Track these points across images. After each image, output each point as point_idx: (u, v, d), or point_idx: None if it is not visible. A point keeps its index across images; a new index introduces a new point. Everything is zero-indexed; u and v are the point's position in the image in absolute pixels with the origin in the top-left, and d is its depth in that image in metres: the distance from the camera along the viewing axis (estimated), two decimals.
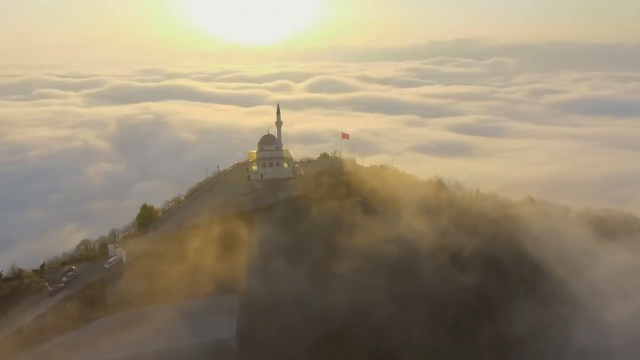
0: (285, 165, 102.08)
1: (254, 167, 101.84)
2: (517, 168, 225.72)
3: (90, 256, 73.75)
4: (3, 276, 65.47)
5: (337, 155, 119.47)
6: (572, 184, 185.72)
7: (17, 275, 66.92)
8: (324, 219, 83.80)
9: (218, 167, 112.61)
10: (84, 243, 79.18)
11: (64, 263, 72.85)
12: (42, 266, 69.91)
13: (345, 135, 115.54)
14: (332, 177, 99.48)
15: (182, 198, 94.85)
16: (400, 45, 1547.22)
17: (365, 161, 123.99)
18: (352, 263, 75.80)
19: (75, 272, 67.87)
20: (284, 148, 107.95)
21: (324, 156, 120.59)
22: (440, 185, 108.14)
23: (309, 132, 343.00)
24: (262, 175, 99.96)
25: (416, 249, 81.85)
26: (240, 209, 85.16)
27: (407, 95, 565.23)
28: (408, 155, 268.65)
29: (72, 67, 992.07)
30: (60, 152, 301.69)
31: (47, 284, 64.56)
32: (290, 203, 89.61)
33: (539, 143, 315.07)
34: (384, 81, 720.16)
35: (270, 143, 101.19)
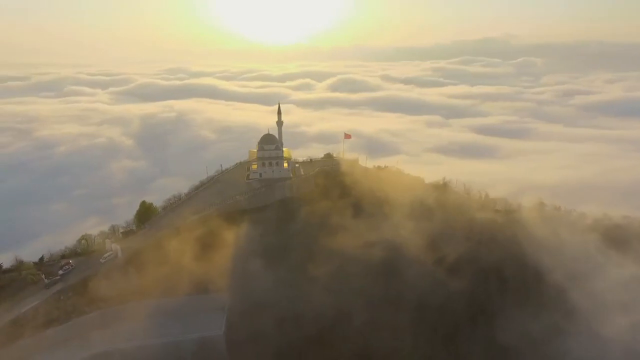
0: (285, 165, 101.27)
1: (254, 167, 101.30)
2: (540, 171, 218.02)
3: (89, 250, 74.92)
4: (3, 267, 67.07)
5: (341, 156, 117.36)
6: (597, 189, 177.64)
7: (17, 267, 68.63)
8: (313, 220, 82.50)
9: (221, 165, 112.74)
10: (85, 237, 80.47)
11: (63, 257, 74.29)
12: (41, 259, 71.83)
13: (347, 136, 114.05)
14: (330, 177, 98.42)
15: (182, 195, 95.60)
16: (425, 45, 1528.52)
17: (372, 162, 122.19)
18: (334, 266, 74.63)
19: (72, 265, 69.16)
20: (284, 148, 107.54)
21: (328, 156, 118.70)
22: (442, 187, 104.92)
23: (327, 132, 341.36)
24: (260, 175, 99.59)
25: (404, 253, 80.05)
26: (234, 208, 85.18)
27: (430, 95, 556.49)
28: (427, 157, 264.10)
29: (102, 65, 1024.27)
30: (85, 148, 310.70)
31: (43, 276, 65.94)
32: (283, 203, 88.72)
33: (566, 146, 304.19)
34: (407, 81, 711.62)
35: (269, 142, 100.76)
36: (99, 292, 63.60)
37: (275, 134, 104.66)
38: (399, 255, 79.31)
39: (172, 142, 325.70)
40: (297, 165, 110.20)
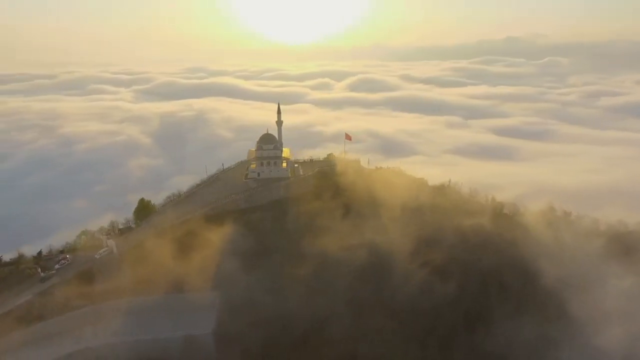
0: (284, 164, 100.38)
1: (252, 166, 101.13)
2: (562, 174, 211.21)
3: (86, 246, 76.04)
4: (3, 261, 69.14)
5: (343, 156, 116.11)
6: (624, 194, 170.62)
7: (16, 260, 70.45)
8: (304, 221, 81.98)
9: (222, 164, 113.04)
10: (85, 233, 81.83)
11: (62, 251, 75.69)
12: (39, 253, 73.73)
13: (347, 137, 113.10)
14: (328, 178, 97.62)
15: (181, 194, 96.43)
16: (447, 44, 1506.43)
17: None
18: (317, 267, 73.85)
19: (68, 260, 70.39)
20: (284, 148, 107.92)
21: (331, 156, 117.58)
22: (446, 190, 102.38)
23: (344, 132, 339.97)
24: (259, 174, 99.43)
25: (390, 256, 78.52)
26: (230, 207, 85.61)
27: (450, 95, 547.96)
28: (444, 158, 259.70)
29: (125, 64, 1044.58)
30: (106, 146, 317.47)
31: (39, 270, 67.40)
32: (278, 204, 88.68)
33: (591, 149, 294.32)
34: (427, 81, 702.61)
35: (268, 142, 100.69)
36: (92, 287, 64.90)
37: (275, 133, 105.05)
38: (384, 258, 78.14)
39: (190, 141, 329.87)
40: (296, 165, 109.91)
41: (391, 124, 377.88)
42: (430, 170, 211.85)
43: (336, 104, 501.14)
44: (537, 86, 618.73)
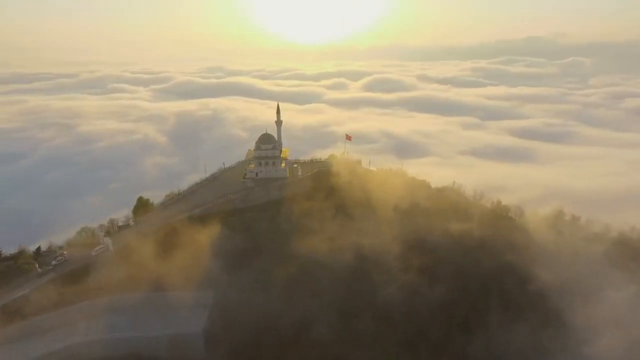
0: (282, 165, 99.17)
1: (251, 166, 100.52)
2: (581, 178, 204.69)
3: (87, 243, 77.05)
4: (2, 255, 70.54)
5: (345, 157, 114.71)
6: None
7: (15, 255, 71.74)
8: (294, 221, 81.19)
9: (224, 163, 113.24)
10: (84, 229, 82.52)
11: (61, 247, 77.03)
12: (38, 249, 74.91)
13: (347, 137, 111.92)
14: (326, 179, 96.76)
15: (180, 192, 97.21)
16: (466, 44, 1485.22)
17: (383, 164, 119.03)
18: (302, 269, 73.10)
19: (65, 257, 71.08)
20: (284, 148, 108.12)
21: (332, 157, 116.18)
22: (448, 192, 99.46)
23: (358, 132, 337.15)
24: (257, 174, 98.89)
25: (378, 258, 77.14)
26: (226, 207, 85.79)
27: (468, 96, 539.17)
28: (459, 159, 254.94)
29: (145, 64, 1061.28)
30: (123, 144, 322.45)
31: (37, 265, 68.27)
32: (273, 204, 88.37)
33: (613, 151, 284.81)
34: (444, 81, 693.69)
35: (267, 142, 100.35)
36: (87, 283, 65.61)
37: (275, 133, 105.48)
38: (370, 260, 76.80)
39: (205, 140, 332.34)
40: (295, 165, 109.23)
41: (406, 124, 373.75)
42: (443, 171, 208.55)
43: (351, 104, 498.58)
44: (558, 87, 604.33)
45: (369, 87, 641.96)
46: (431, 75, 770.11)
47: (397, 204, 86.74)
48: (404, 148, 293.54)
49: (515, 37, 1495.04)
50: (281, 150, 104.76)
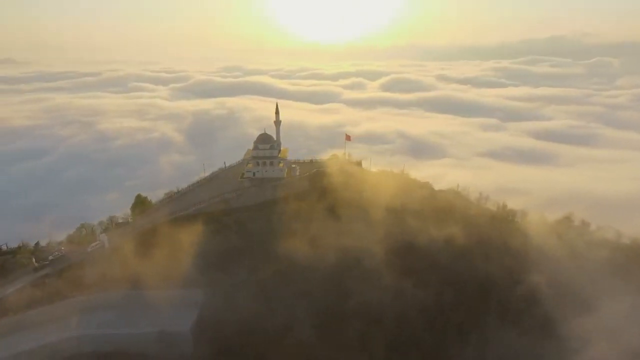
0: (280, 165, 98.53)
1: (249, 165, 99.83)
2: (605, 182, 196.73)
3: (85, 239, 77.61)
4: (2, 250, 71.87)
5: (346, 157, 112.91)
6: None
7: (14, 250, 72.93)
8: (284, 222, 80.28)
9: (225, 162, 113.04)
10: (84, 226, 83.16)
11: (60, 243, 77.78)
12: (37, 244, 76.08)
13: (347, 138, 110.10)
14: (319, 180, 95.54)
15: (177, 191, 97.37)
16: (488, 44, 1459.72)
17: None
18: (288, 270, 72.15)
19: (62, 252, 72.03)
20: (282, 148, 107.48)
21: (334, 157, 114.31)
22: (444, 194, 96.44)
23: (374, 132, 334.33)
24: (254, 174, 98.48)
25: (363, 261, 75.34)
26: (222, 206, 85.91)
27: (488, 96, 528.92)
28: (476, 161, 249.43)
29: (166, 63, 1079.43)
30: (141, 142, 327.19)
31: (34, 260, 69.17)
32: (264, 205, 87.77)
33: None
34: (464, 81, 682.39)
35: (265, 142, 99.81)
36: (82, 278, 66.33)
37: (273, 133, 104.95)
38: (355, 262, 75.16)
39: (220, 139, 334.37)
40: (293, 165, 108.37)
41: (423, 125, 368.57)
42: (458, 173, 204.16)
43: (368, 104, 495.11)
44: (583, 88, 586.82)
45: (386, 87, 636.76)
46: (451, 75, 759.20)
47: (391, 206, 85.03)
48: (420, 149, 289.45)
49: (539, 36, 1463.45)
50: (280, 150, 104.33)
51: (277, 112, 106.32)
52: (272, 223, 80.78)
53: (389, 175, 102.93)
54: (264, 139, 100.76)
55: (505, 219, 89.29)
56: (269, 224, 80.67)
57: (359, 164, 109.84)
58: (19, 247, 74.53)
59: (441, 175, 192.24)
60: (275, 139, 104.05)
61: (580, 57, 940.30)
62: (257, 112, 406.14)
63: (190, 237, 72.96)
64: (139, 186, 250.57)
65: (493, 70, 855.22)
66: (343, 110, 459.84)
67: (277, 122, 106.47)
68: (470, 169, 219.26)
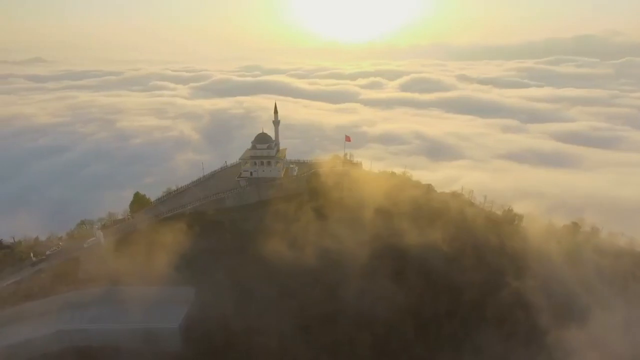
0: (278, 164, 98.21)
1: (247, 165, 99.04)
2: (629, 186, 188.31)
3: (84, 235, 78.32)
4: (3, 244, 73.04)
5: (346, 158, 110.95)
6: None
7: (14, 244, 74.20)
8: (273, 222, 79.57)
9: (226, 161, 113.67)
10: (84, 222, 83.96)
11: (60, 238, 79.04)
12: (36, 239, 77.49)
13: (347, 139, 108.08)
14: (316, 180, 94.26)
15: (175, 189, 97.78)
16: (513, 43, 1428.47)
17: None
18: (273, 271, 70.96)
19: (59, 247, 73.37)
20: (281, 148, 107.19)
21: (335, 157, 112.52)
22: (444, 196, 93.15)
23: (390, 133, 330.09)
24: (251, 173, 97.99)
25: (344, 262, 73.77)
26: (217, 205, 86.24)
27: (510, 97, 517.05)
28: (494, 163, 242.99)
29: (187, 62, 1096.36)
30: (158, 140, 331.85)
31: (31, 254, 70.40)
32: (258, 204, 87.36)
33: None
34: (486, 81, 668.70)
35: (262, 142, 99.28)
36: (76, 273, 67.17)
37: (272, 133, 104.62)
38: (336, 263, 73.45)
39: (236, 138, 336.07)
40: (292, 165, 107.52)
41: (441, 126, 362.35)
42: (474, 175, 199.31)
43: (386, 104, 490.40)
44: (610, 89, 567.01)
45: (405, 87, 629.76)
46: (472, 75, 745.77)
47: (380, 208, 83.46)
48: (437, 150, 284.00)
49: (565, 35, 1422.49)
50: (278, 150, 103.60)
51: (275, 112, 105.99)
52: (264, 223, 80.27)
53: (388, 177, 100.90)
54: (261, 138, 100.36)
55: (502, 223, 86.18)
56: (261, 224, 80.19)
57: (359, 165, 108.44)
58: (20, 242, 75.97)
59: (457, 177, 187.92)
60: (273, 138, 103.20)
61: (608, 57, 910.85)
62: (273, 112, 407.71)
63: (182, 236, 73.18)
64: (155, 184, 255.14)
65: (516, 70, 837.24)
66: (360, 110, 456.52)
67: (276, 122, 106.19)
68: (487, 171, 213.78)
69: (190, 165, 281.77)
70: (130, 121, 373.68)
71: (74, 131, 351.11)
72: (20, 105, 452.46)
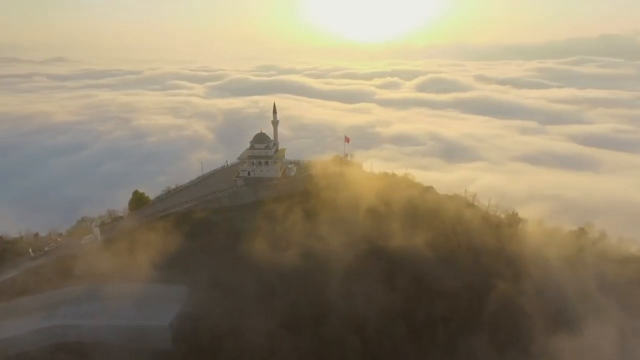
0: (276, 164, 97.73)
1: (245, 164, 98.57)
2: None
3: (84, 232, 78.70)
4: (4, 239, 74.14)
5: (347, 159, 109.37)
6: None
7: (15, 239, 75.64)
8: (264, 222, 79.17)
9: (227, 161, 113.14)
10: (84, 219, 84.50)
11: (60, 234, 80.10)
12: (36, 235, 78.68)
13: (346, 139, 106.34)
14: (313, 181, 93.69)
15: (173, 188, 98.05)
16: (534, 43, 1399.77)
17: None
18: (261, 272, 70.47)
19: (58, 243, 74.19)
20: (280, 147, 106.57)
21: (336, 157, 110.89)
22: (444, 199, 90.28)
23: (405, 133, 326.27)
24: (249, 173, 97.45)
25: (328, 263, 72.44)
26: (213, 205, 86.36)
27: (529, 98, 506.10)
28: (510, 165, 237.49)
29: (204, 61, 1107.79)
30: (173, 139, 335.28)
31: (30, 250, 71.42)
32: (254, 204, 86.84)
33: None
34: (504, 81, 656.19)
35: (261, 142, 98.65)
36: (72, 270, 68.03)
37: (271, 133, 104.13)
38: (320, 263, 72.01)
39: (250, 137, 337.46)
40: (291, 165, 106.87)
41: (457, 126, 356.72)
42: (488, 177, 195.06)
43: (402, 104, 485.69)
44: (635, 90, 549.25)
45: (422, 87, 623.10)
46: (491, 75, 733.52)
47: (373, 209, 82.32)
48: (452, 151, 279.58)
49: (588, 35, 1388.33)
50: (276, 150, 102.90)
51: (274, 112, 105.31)
52: (256, 223, 79.83)
53: (386, 178, 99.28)
54: (260, 138, 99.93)
55: (501, 226, 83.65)
56: (254, 224, 79.75)
57: (357, 165, 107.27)
58: (21, 237, 77.23)
59: (472, 179, 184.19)
60: (272, 138, 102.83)
61: (633, 57, 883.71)
62: (288, 111, 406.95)
63: (174, 235, 73.39)
64: (167, 182, 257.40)
65: (536, 70, 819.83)
66: (375, 110, 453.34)
67: (275, 122, 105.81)
68: (502, 173, 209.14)
69: (203, 163, 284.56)
70: (147, 120, 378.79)
71: (91, 129, 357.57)
72: (42, 103, 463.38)
